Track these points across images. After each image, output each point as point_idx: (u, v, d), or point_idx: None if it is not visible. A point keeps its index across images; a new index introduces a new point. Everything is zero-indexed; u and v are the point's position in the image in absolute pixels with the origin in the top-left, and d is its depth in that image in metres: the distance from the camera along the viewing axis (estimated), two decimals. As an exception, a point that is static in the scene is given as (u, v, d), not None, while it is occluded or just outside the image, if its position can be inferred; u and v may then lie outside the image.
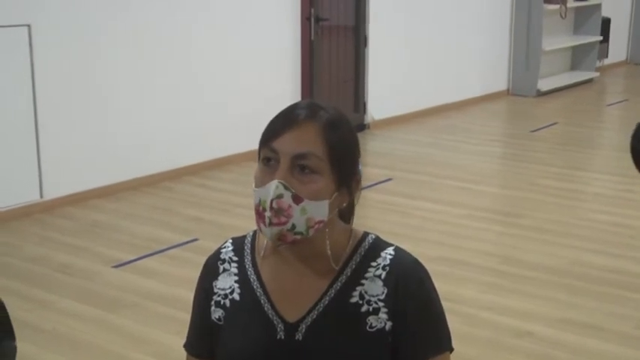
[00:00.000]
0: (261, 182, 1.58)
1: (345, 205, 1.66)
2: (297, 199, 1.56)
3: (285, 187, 1.55)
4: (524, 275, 5.06)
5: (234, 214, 6.02)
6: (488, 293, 4.81)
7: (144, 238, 5.64)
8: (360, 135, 8.55)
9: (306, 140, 1.57)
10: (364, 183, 1.66)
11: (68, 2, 6.16)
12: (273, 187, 1.55)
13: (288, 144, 1.56)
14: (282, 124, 1.59)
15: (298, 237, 1.58)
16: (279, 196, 1.55)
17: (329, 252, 1.64)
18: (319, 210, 1.58)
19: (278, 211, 1.56)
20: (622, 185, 6.81)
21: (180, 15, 6.94)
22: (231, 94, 7.37)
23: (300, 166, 1.56)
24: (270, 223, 1.57)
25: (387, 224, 5.81)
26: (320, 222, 1.59)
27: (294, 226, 1.57)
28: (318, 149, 1.57)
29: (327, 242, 1.63)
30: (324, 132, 1.58)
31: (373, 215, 6.12)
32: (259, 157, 1.62)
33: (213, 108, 7.28)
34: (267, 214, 1.56)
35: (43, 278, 5.00)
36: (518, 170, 7.55)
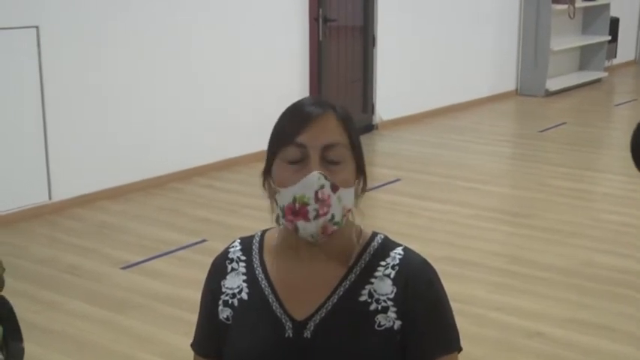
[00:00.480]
0: (291, 180, 1.58)
1: (361, 192, 1.68)
2: (334, 188, 1.58)
3: (326, 177, 1.57)
4: (533, 275, 5.04)
5: (242, 214, 6.02)
6: (497, 293, 4.79)
7: (152, 240, 5.64)
8: (368, 135, 8.68)
9: (330, 130, 1.60)
10: (372, 183, 1.67)
11: (76, 4, 6.17)
12: (315, 178, 1.56)
13: (315, 137, 1.58)
14: (301, 120, 1.60)
15: (336, 227, 1.60)
16: (322, 187, 1.56)
17: (355, 238, 1.66)
18: (350, 197, 1.62)
19: (322, 202, 1.57)
20: (631, 185, 6.78)
21: (188, 16, 6.94)
22: (240, 94, 7.37)
23: (326, 156, 1.58)
24: (317, 215, 1.57)
25: (395, 224, 5.79)
26: (349, 210, 1.63)
27: (333, 217, 1.59)
28: (342, 138, 1.61)
29: (353, 229, 1.66)
30: (344, 121, 1.62)
31: (381, 215, 6.11)
32: (275, 159, 1.61)
33: (221, 109, 7.28)
34: (312, 206, 1.56)
35: (51, 279, 5.00)
36: (526, 170, 7.53)
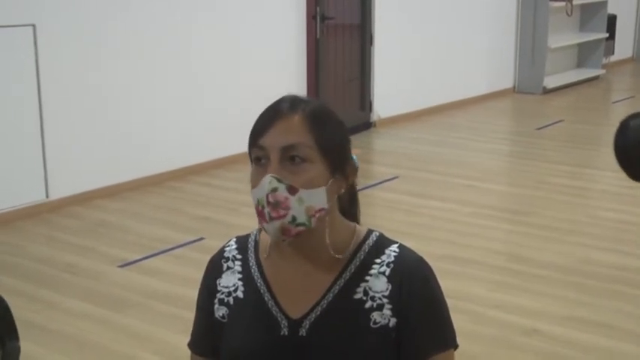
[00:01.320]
0: (255, 182, 1.60)
1: (343, 190, 1.66)
2: (292, 190, 1.56)
3: (278, 180, 1.56)
4: (532, 273, 5.04)
5: (240, 213, 6.01)
6: (497, 291, 4.79)
7: (150, 238, 5.64)
8: (365, 133, 8.66)
9: (291, 131, 1.58)
10: (370, 181, 1.66)
11: (73, 2, 6.16)
12: (267, 182, 1.56)
13: (274, 138, 1.58)
14: (265, 121, 1.61)
15: (301, 228, 1.59)
16: (274, 190, 1.56)
17: (328, 240, 1.63)
18: (317, 198, 1.59)
19: (275, 205, 1.56)
20: (628, 182, 6.70)
21: (183, 14, 6.93)
22: (237, 92, 7.36)
23: (290, 157, 1.57)
24: (271, 218, 1.57)
25: (393, 222, 5.79)
26: (321, 210, 1.60)
27: (294, 218, 1.57)
28: (305, 137, 1.58)
29: (327, 230, 1.63)
30: (307, 120, 1.60)
31: (379, 214, 6.11)
32: (251, 159, 1.63)
33: (219, 107, 7.27)
34: (266, 209, 1.57)
35: (49, 278, 5.00)
36: (524, 168, 7.53)
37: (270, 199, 1.56)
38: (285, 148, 1.57)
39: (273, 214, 1.57)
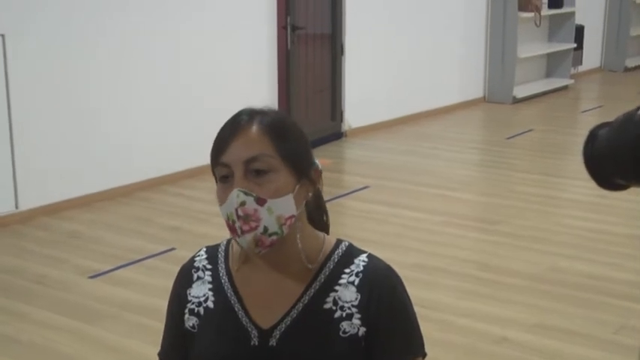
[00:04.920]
0: (223, 198, 1.61)
1: (311, 195, 1.67)
2: (260, 201, 1.58)
3: (246, 193, 1.58)
4: (501, 282, 5.08)
5: (211, 223, 6.00)
6: (466, 300, 4.82)
7: (120, 248, 5.62)
8: (336, 143, 8.68)
9: (251, 143, 1.60)
10: (341, 191, 1.68)
11: (43, 11, 6.13)
12: (234, 196, 1.58)
13: (235, 153, 1.60)
14: (224, 137, 1.63)
15: (275, 237, 1.60)
16: (242, 204, 1.57)
17: (300, 245, 1.65)
18: (286, 206, 1.60)
19: (245, 218, 1.58)
20: (598, 191, 6.76)
21: (155, 26, 6.92)
22: (208, 102, 7.35)
23: (253, 169, 1.59)
24: (242, 232, 1.59)
25: (364, 232, 5.81)
26: (291, 217, 1.61)
27: (266, 229, 1.59)
28: (265, 148, 1.60)
29: (298, 235, 1.64)
30: (266, 131, 1.61)
31: (350, 223, 6.13)
32: (215, 178, 1.65)
33: (190, 117, 7.25)
34: (237, 224, 1.58)
35: (19, 289, 4.97)
36: (495, 177, 7.58)
37: (240, 213, 1.58)
38: (248, 160, 1.59)
39: (245, 228, 1.58)
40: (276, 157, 1.60)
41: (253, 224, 1.58)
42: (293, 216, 1.62)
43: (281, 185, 1.60)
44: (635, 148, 1.23)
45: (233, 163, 1.59)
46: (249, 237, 1.59)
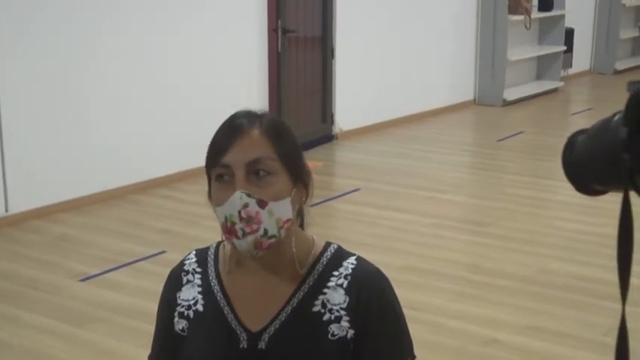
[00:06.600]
0: (221, 199, 1.60)
1: (304, 199, 1.68)
2: (262, 204, 1.58)
3: (249, 195, 1.57)
4: (492, 284, 5.09)
5: (201, 226, 6.00)
6: (457, 302, 4.83)
7: (111, 252, 5.61)
8: (327, 146, 8.69)
9: (254, 146, 1.60)
10: (332, 193, 1.69)
11: (32, 9, 6.12)
12: (237, 198, 1.57)
13: (238, 155, 1.59)
14: (225, 139, 1.61)
15: (273, 240, 1.60)
16: (245, 206, 1.57)
17: (294, 248, 1.66)
18: (284, 209, 1.61)
19: (248, 220, 1.58)
20: (587, 193, 6.85)
21: (142, 26, 6.91)
22: (198, 105, 7.35)
23: (254, 172, 1.59)
24: (244, 234, 1.58)
25: (355, 234, 5.82)
26: (287, 221, 1.62)
27: (266, 231, 1.59)
28: (267, 151, 1.60)
29: (293, 239, 1.65)
30: (267, 133, 1.62)
31: (341, 226, 6.13)
32: (210, 178, 1.64)
33: (180, 120, 7.26)
34: (238, 225, 1.58)
35: (10, 293, 4.95)
36: (485, 179, 7.60)
37: (243, 215, 1.57)
38: (250, 163, 1.58)
39: (247, 230, 1.58)
40: (277, 159, 1.61)
41: (255, 226, 1.58)
42: (289, 219, 1.63)
43: (281, 188, 1.61)
44: (611, 156, 1.25)
45: (235, 164, 1.59)
46: (250, 239, 1.59)
